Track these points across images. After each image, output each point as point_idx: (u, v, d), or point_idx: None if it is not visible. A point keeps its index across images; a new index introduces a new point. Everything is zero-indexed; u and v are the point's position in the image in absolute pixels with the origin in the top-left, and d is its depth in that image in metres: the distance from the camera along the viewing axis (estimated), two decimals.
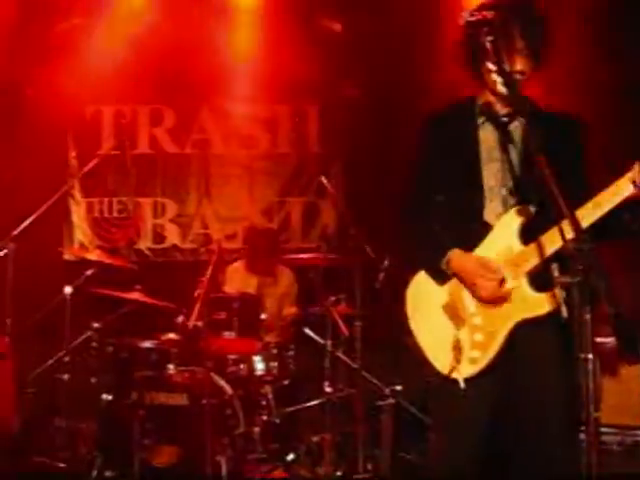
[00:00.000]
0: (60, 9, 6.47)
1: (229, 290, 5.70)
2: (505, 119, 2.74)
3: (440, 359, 2.72)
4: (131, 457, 4.52)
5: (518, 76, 2.57)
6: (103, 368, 5.05)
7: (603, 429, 4.20)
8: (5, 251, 4.94)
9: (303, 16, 6.49)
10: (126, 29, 6.47)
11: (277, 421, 4.96)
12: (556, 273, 2.23)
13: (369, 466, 4.79)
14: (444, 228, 2.78)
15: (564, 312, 2.27)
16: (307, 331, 5.29)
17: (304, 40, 6.48)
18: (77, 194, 6.77)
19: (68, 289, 5.11)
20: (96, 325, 5.10)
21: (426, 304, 2.82)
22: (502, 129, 2.73)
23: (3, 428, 4.99)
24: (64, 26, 6.50)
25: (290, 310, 5.77)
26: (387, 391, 4.91)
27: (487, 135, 2.77)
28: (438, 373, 2.71)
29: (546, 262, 2.54)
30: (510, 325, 2.60)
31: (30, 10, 6.35)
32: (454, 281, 2.75)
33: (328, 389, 4.96)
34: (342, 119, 6.54)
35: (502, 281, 2.62)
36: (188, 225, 6.84)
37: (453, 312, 2.74)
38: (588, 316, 2.02)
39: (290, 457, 4.95)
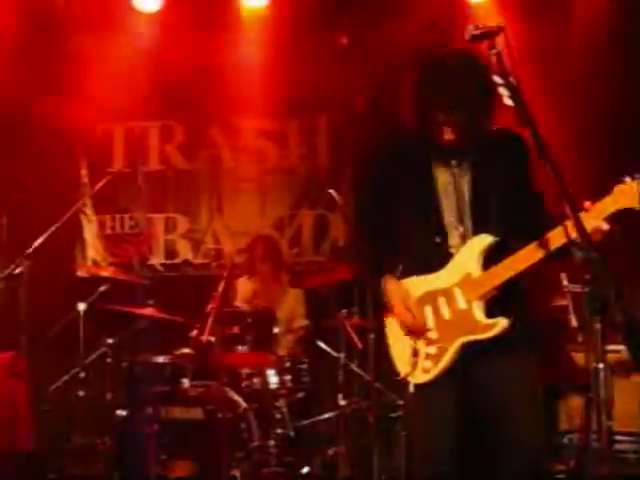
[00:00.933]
0: (69, 25, 6.52)
1: (241, 303, 5.72)
2: (454, 162, 2.87)
3: (401, 363, 2.94)
4: (147, 472, 4.55)
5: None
6: (118, 384, 5.08)
7: (618, 437, 4.19)
8: (20, 269, 4.97)
9: (311, 30, 6.53)
10: (135, 45, 6.52)
11: (292, 434, 4.96)
12: (565, 282, 2.25)
13: (384, 478, 4.78)
14: (402, 252, 2.95)
15: (573, 321, 2.29)
16: (320, 344, 5.30)
17: (313, 54, 6.52)
18: (89, 211, 6.80)
19: (82, 306, 5.14)
20: (110, 341, 5.13)
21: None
22: (451, 173, 2.87)
23: (19, 446, 5.02)
24: (73, 42, 6.55)
25: (300, 323, 5.77)
26: (401, 402, 4.91)
27: (440, 173, 2.89)
28: (398, 374, 2.94)
29: (497, 289, 2.74)
30: (458, 343, 2.79)
31: (38, 26, 6.41)
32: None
33: (342, 402, 4.96)
34: (352, 132, 6.56)
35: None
36: (200, 240, 6.86)
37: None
38: (598, 325, 2.03)
39: (305, 470, 4.95)
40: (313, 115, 6.85)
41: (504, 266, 2.73)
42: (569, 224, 2.32)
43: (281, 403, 5.04)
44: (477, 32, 2.47)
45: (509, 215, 2.80)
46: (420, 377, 2.87)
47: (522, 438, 2.76)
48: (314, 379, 5.23)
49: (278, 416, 5.00)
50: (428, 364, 2.85)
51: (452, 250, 2.85)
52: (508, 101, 2.35)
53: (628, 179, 2.48)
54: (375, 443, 4.75)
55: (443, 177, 2.88)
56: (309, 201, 6.79)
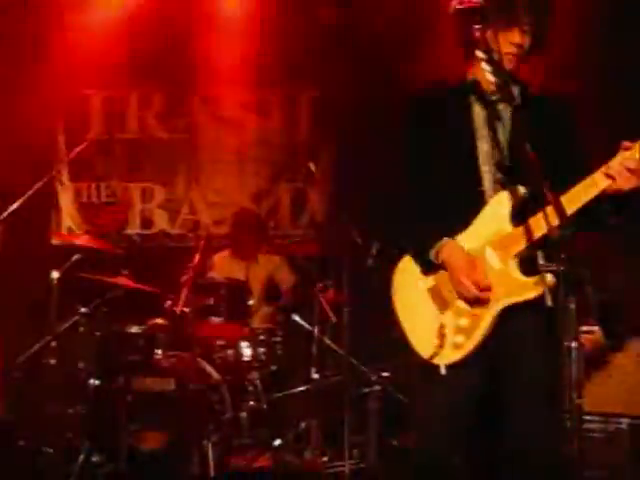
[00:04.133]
0: None
1: (218, 271, 5.69)
2: (494, 97, 2.69)
3: (423, 343, 2.66)
4: (118, 442, 4.53)
5: (514, 50, 2.55)
6: (90, 353, 5.04)
7: (586, 417, 4.23)
8: None
9: (296, 2, 6.47)
10: (115, 13, 6.42)
11: (264, 407, 4.97)
12: (541, 261, 2.23)
13: (356, 452, 4.81)
14: (436, 205, 2.71)
15: (548, 300, 2.27)
16: (295, 317, 5.30)
17: (296, 26, 6.46)
18: (65, 179, 6.74)
19: (55, 274, 5.09)
20: (83, 310, 5.09)
21: (411, 288, 2.77)
22: (491, 108, 2.70)
23: None
24: (50, 9, 6.44)
25: (286, 285, 5.77)
26: (374, 377, 4.92)
27: (477, 113, 2.73)
28: (420, 357, 2.67)
29: (533, 246, 2.51)
30: (497, 309, 2.55)
31: None
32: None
33: (315, 375, 4.97)
34: (334, 105, 6.52)
35: (486, 288, 2.57)
36: (177, 210, 6.82)
37: (438, 295, 2.69)
38: (572, 304, 2.03)
39: (277, 443, 4.96)
40: (295, 87, 6.80)
41: (537, 221, 2.49)
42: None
43: (254, 375, 5.04)
44: (461, 6, 2.46)
45: (544, 169, 2.44)
46: (450, 356, 2.60)
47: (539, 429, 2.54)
48: (288, 352, 5.23)
49: (251, 388, 5.01)
50: (460, 339, 2.59)
51: (486, 196, 2.66)
52: (490, 77, 2.34)
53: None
54: (347, 417, 4.78)
55: (479, 119, 2.72)
56: (288, 174, 6.76)
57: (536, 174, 2.25)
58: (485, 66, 2.38)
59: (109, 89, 6.83)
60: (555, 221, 2.25)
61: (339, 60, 6.30)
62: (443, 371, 2.58)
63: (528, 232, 2.51)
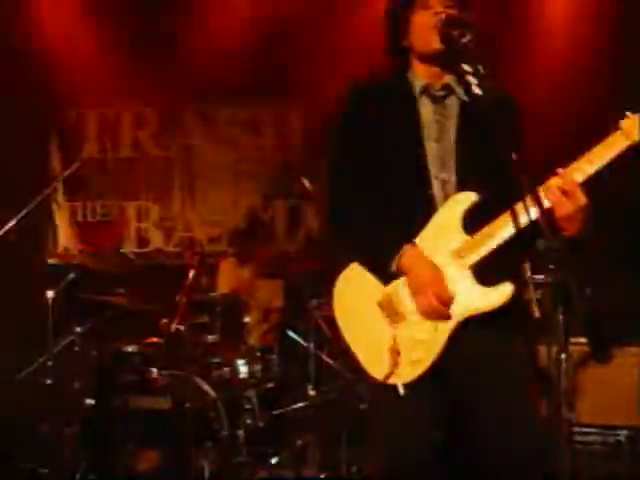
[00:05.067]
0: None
1: (222, 285, 5.68)
2: (442, 93, 2.57)
3: (374, 363, 2.43)
4: (114, 461, 4.51)
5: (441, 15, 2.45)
6: (86, 372, 5.03)
7: (584, 429, 4.21)
8: None
9: (288, 19, 6.48)
10: (109, 31, 6.46)
11: (261, 424, 4.94)
12: (528, 273, 2.21)
13: (353, 468, 4.78)
14: (384, 211, 2.52)
15: (536, 312, 2.25)
16: (290, 334, 5.29)
17: (289, 42, 6.48)
18: (60, 197, 6.75)
19: (50, 293, 5.08)
20: (79, 329, 5.08)
21: (358, 301, 2.54)
22: (440, 104, 2.55)
23: None
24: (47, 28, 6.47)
25: (276, 304, 5.75)
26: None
27: (425, 110, 2.56)
28: (373, 379, 2.43)
29: (492, 254, 2.37)
30: (456, 321, 2.38)
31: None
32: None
33: (312, 392, 4.95)
34: (327, 119, 6.51)
35: (449, 302, 2.39)
36: (172, 228, 6.83)
37: (389, 308, 2.47)
38: (561, 316, 2.01)
39: (274, 460, 4.94)
40: (286, 104, 6.81)
41: (491, 230, 2.38)
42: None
43: (250, 393, 5.01)
44: (450, 19, 2.46)
45: (492, 170, 2.40)
46: (408, 373, 2.38)
47: (515, 426, 2.37)
48: (284, 369, 5.22)
49: (247, 406, 4.98)
50: (417, 355, 2.37)
51: (435, 201, 2.49)
52: (476, 89, 2.33)
53: (629, 114, 2.34)
54: (344, 433, 4.76)
55: (428, 114, 2.55)
56: (283, 190, 6.77)
57: (514, 171, 2.14)
58: (472, 79, 2.37)
59: (104, 107, 6.85)
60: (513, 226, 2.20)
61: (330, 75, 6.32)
62: (402, 391, 2.37)
63: (486, 240, 2.38)
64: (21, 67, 6.38)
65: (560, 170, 2.35)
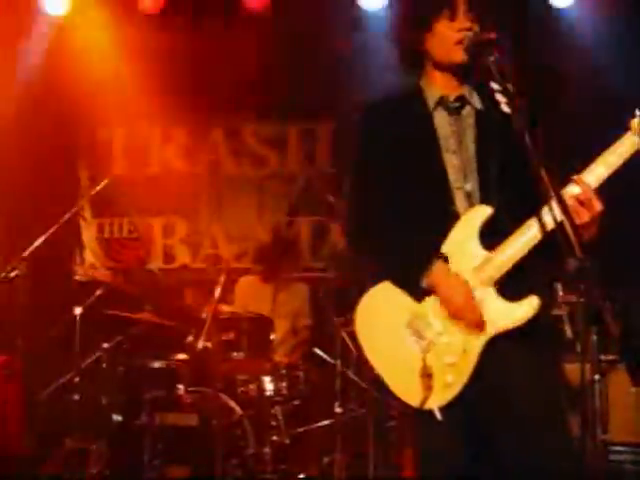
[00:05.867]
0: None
1: (241, 304, 5.68)
2: (457, 104, 2.54)
3: (407, 389, 2.37)
4: (141, 477, 4.52)
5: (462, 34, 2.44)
6: (113, 388, 5.05)
7: (615, 447, 4.14)
8: (16, 272, 4.95)
9: (313, 36, 6.51)
10: (136, 47, 6.51)
11: (287, 442, 4.93)
12: (560, 292, 2.18)
13: None
14: (407, 228, 2.49)
15: (568, 332, 2.22)
16: (317, 351, 5.28)
17: (314, 59, 6.51)
18: (88, 214, 6.80)
19: (78, 310, 5.11)
20: (106, 345, 5.11)
21: (384, 322, 2.48)
22: (457, 116, 2.53)
23: (14, 449, 4.99)
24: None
25: (304, 322, 5.74)
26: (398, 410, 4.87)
27: (441, 122, 2.53)
28: (407, 407, 2.37)
29: (516, 267, 2.35)
30: (483, 340, 2.34)
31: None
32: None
33: (338, 409, 4.93)
34: (353, 136, 6.51)
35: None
36: (198, 245, 6.85)
37: (418, 332, 2.42)
38: (594, 336, 1.98)
39: (301, 477, 4.92)
40: (313, 120, 6.83)
41: (512, 243, 2.35)
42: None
43: (277, 410, 5.01)
44: (477, 39, 2.45)
45: (514, 179, 2.40)
46: (442, 396, 2.34)
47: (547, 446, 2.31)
48: (310, 386, 5.20)
49: (274, 423, 4.97)
50: (450, 377, 2.33)
51: (458, 213, 2.44)
52: (505, 108, 2.33)
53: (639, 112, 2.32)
54: (371, 451, 4.73)
55: (444, 126, 2.52)
56: (308, 207, 6.77)
57: (540, 170, 2.11)
58: (500, 97, 2.36)
59: (131, 125, 6.90)
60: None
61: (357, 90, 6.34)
62: (439, 416, 2.32)
63: (508, 254, 2.35)
64: (51, 85, 6.44)
65: (575, 177, 2.33)
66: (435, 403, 2.32)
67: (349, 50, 6.48)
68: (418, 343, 2.41)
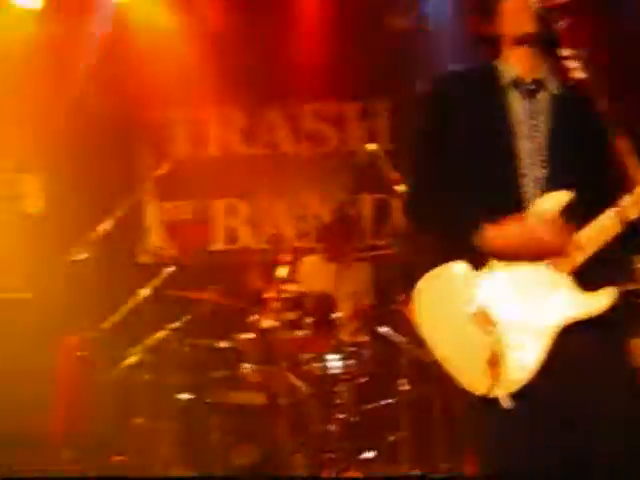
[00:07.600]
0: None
1: (305, 284, 5.69)
2: (532, 87, 2.45)
3: (472, 376, 2.25)
4: (211, 456, 4.57)
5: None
6: (180, 368, 5.11)
7: None
8: (84, 254, 5.02)
9: (371, 13, 6.46)
10: (195, 31, 6.54)
11: (353, 419, 4.93)
12: (638, 264, 2.09)
13: (445, 466, 4.73)
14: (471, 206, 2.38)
15: None
16: (382, 329, 5.25)
17: (372, 37, 6.46)
18: (151, 198, 6.87)
19: (144, 291, 5.18)
20: (172, 326, 5.17)
21: (445, 309, 2.36)
22: (530, 98, 2.44)
23: (83, 428, 5.10)
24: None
25: (368, 300, 5.72)
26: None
27: (514, 104, 2.45)
28: (471, 394, 2.25)
29: (593, 257, 2.25)
30: (554, 330, 2.24)
31: None
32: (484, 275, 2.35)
33: (404, 387, 4.91)
34: (412, 114, 6.45)
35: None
36: (260, 225, 6.88)
37: (482, 317, 2.28)
38: None
39: (366, 455, 4.92)
40: (373, 98, 6.78)
41: (591, 232, 2.26)
42: None
43: (342, 388, 5.00)
44: (545, 5, 2.38)
45: (588, 168, 2.35)
46: (511, 383, 2.21)
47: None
48: (376, 364, 5.18)
49: (339, 401, 4.97)
50: (520, 362, 2.21)
51: (527, 200, 2.35)
52: (579, 73, 2.26)
53: None
54: (437, 430, 4.70)
55: (518, 109, 2.44)
56: (369, 185, 6.73)
57: (621, 158, 2.06)
58: (572, 63, 2.29)
59: (191, 108, 6.94)
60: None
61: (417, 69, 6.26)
62: (508, 404, 2.19)
63: (584, 242, 2.25)
64: (113, 68, 6.51)
65: None
66: (502, 390, 2.20)
67: (408, 29, 6.42)
68: (484, 329, 2.27)
